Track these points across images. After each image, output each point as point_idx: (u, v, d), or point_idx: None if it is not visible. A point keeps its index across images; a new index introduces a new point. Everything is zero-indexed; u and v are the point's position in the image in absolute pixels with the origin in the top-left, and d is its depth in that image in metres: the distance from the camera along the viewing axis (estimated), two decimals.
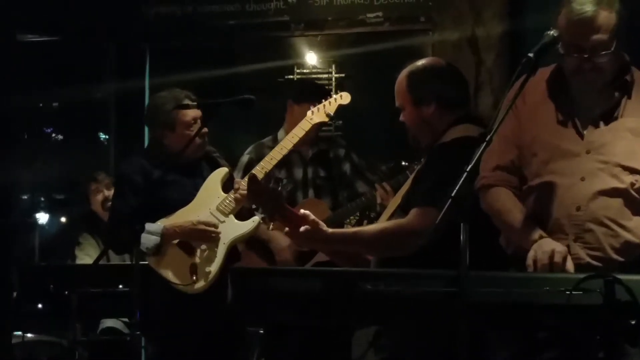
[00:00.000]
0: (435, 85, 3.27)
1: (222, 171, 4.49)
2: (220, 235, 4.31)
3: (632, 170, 2.85)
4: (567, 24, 2.81)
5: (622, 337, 2.42)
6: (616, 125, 2.90)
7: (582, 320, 2.43)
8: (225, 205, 4.37)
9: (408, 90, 3.29)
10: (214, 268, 4.28)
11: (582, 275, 2.44)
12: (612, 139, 2.88)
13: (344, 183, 4.96)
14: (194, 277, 4.26)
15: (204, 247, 4.32)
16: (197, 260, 4.31)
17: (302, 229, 3.07)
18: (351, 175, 4.95)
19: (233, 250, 4.42)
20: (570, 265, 2.74)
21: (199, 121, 4.40)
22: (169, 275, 4.30)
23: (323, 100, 4.60)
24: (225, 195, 4.39)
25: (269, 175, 4.40)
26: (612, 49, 2.82)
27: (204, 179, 4.47)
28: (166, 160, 4.36)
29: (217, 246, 4.31)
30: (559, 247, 2.75)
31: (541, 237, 2.80)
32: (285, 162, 4.82)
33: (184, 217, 4.35)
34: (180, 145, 4.29)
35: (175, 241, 4.33)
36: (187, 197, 4.40)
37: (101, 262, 4.86)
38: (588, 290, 2.39)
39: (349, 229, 3.33)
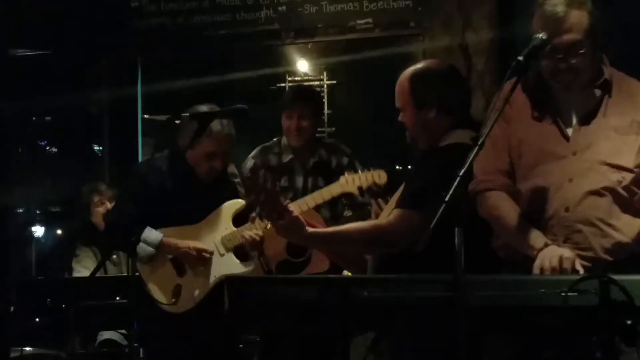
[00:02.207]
0: (437, 89, 3.24)
1: (238, 203, 4.47)
2: (212, 267, 4.30)
3: (619, 168, 2.87)
4: (541, 25, 2.83)
5: (619, 336, 2.42)
6: (600, 124, 2.92)
7: (579, 321, 2.43)
8: (230, 240, 4.37)
9: (410, 93, 3.25)
10: (196, 296, 4.29)
11: (577, 277, 2.45)
12: (597, 139, 2.89)
13: None
14: (175, 300, 4.27)
15: (194, 272, 4.32)
16: (184, 283, 4.31)
17: (280, 222, 3.08)
18: None
19: None
20: (580, 268, 2.74)
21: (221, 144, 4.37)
22: (153, 289, 4.31)
23: (361, 172, 4.57)
24: (234, 229, 4.39)
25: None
26: (586, 48, 2.84)
27: (216, 200, 4.45)
28: (183, 169, 4.38)
29: (207, 276, 4.31)
30: (566, 254, 2.75)
31: (546, 245, 2.79)
32: (286, 170, 4.82)
33: (186, 236, 4.35)
34: (194, 164, 4.34)
35: (170, 256, 4.33)
36: (191, 213, 4.38)
37: (98, 275, 4.87)
38: (584, 292, 2.40)
39: (328, 229, 3.32)
